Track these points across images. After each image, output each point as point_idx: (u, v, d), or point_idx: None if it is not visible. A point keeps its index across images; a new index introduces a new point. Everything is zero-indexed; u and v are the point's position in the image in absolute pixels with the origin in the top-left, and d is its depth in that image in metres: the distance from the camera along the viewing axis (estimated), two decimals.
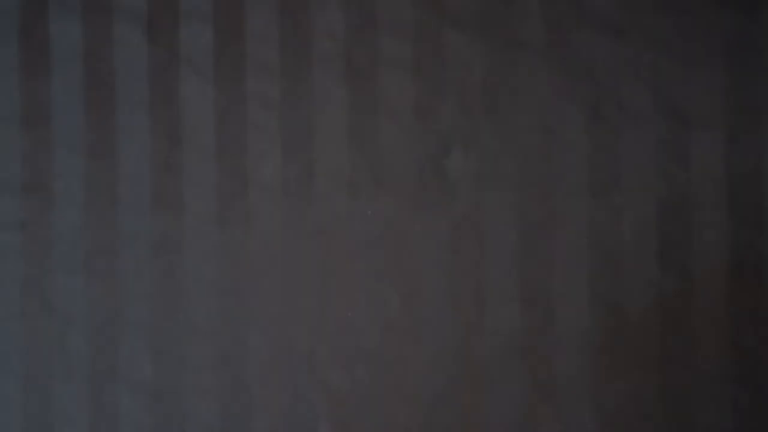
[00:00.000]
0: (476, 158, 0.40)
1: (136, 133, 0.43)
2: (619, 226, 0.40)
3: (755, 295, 0.42)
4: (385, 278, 0.40)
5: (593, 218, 0.41)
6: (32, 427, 0.45)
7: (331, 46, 0.45)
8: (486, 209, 0.42)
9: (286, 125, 0.44)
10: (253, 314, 0.44)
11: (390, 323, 0.46)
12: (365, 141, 0.45)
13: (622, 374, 0.40)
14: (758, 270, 0.42)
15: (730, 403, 0.36)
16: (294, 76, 0.42)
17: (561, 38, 0.45)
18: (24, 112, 0.46)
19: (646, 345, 0.42)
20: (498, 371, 0.48)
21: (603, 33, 0.45)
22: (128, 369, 0.45)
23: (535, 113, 0.43)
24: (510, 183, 0.43)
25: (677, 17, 0.45)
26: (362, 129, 0.45)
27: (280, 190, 0.44)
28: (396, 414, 0.48)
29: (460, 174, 0.39)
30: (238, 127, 0.44)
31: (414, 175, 0.38)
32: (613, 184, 0.43)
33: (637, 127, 0.42)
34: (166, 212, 0.41)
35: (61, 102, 0.45)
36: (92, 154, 0.44)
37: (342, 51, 0.45)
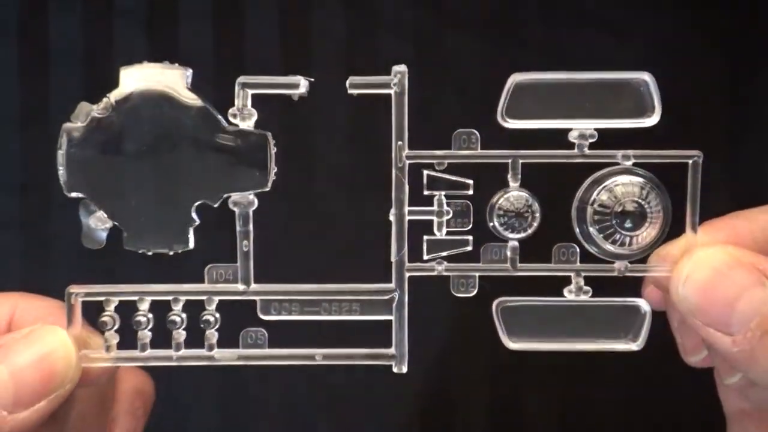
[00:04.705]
0: None
1: None
2: None
3: None
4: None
5: None
6: None
7: (331, 46, 0.45)
8: None
9: (285, 125, 0.44)
10: None
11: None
12: (365, 141, 0.45)
13: None
14: None
15: None
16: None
17: (561, 38, 0.45)
18: (23, 112, 0.45)
19: None
20: (500, 367, 0.47)
21: (603, 33, 0.45)
22: None
23: None
24: None
25: (677, 17, 0.45)
26: (362, 129, 0.45)
27: (280, 190, 0.44)
28: (395, 414, 0.48)
29: None
30: None
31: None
32: None
33: None
34: None
35: (60, 102, 0.45)
36: None
37: (342, 51, 0.45)
